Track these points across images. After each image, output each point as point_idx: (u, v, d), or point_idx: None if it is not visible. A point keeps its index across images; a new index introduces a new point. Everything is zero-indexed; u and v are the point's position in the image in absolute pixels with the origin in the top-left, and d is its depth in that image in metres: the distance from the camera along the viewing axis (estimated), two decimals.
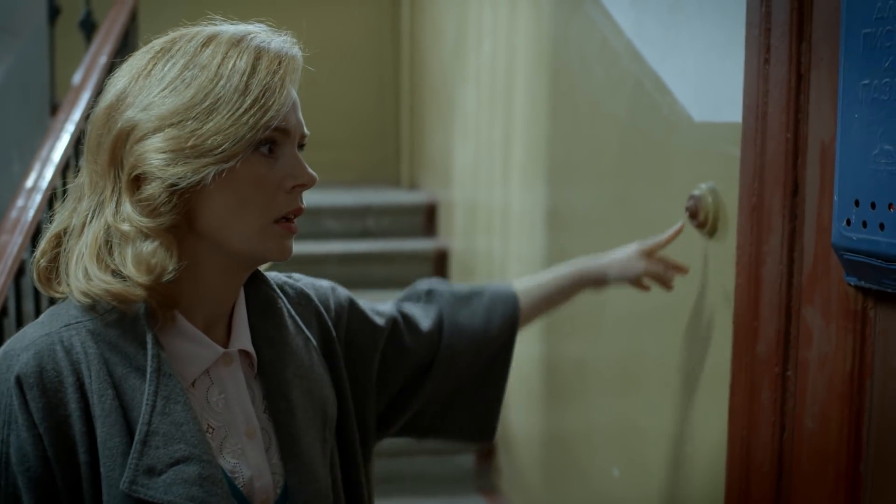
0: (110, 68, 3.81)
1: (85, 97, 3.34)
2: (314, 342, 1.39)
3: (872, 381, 1.33)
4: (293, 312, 1.38)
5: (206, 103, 1.16)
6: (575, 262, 1.88)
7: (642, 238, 1.95)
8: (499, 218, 3.78)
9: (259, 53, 1.19)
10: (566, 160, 2.93)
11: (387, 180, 6.00)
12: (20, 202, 2.79)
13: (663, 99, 2.14)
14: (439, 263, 4.79)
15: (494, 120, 3.80)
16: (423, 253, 4.83)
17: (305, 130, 1.25)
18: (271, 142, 1.20)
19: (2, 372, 1.17)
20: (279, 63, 1.19)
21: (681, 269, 1.91)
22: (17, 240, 2.64)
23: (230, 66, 1.17)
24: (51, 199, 2.93)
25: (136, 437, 1.15)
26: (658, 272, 1.89)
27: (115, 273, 1.19)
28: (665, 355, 2.16)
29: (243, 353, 1.30)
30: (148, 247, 1.17)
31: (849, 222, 1.29)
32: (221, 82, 1.16)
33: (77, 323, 1.19)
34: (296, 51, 1.23)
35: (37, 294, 2.92)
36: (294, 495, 1.28)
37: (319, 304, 1.45)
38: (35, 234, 2.77)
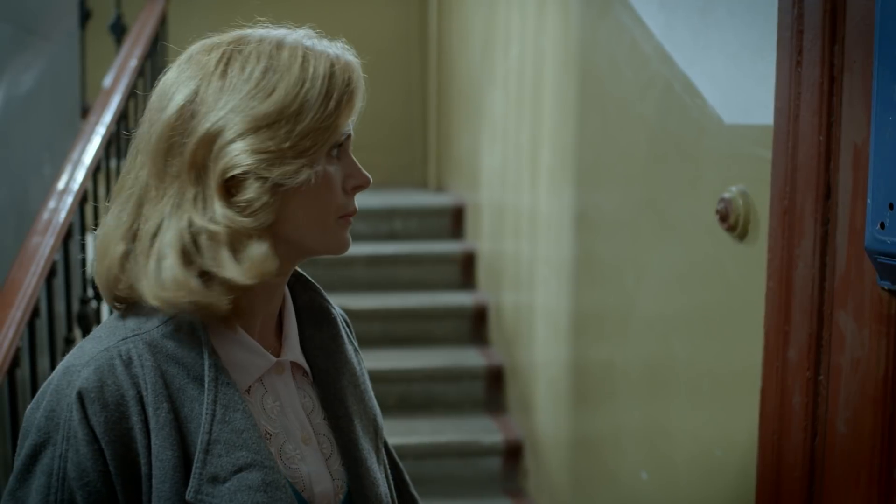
0: (140, 71, 3.85)
1: (115, 100, 3.37)
2: (361, 355, 1.43)
3: None
4: (342, 325, 1.41)
5: (294, 106, 1.18)
6: None
7: (671, 241, 1.94)
8: (526, 221, 3.78)
9: (331, 60, 1.22)
10: (595, 163, 2.92)
11: (414, 183, 6.01)
12: (52, 204, 2.81)
13: (693, 101, 2.13)
14: (466, 266, 4.79)
15: (522, 123, 3.80)
16: (450, 255, 4.83)
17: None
18: (340, 145, 1.24)
19: (63, 387, 1.17)
20: (352, 71, 1.23)
21: None
22: (48, 241, 2.66)
23: (311, 70, 1.19)
24: (82, 201, 2.95)
25: (199, 447, 1.16)
26: None
27: (202, 275, 1.18)
28: (694, 359, 2.15)
29: (294, 365, 1.32)
30: (258, 249, 1.17)
31: (882, 226, 1.28)
32: (306, 86, 1.18)
33: (134, 336, 1.19)
34: (355, 59, 1.27)
35: (68, 295, 2.94)
36: (357, 500, 1.29)
37: (355, 341, 1.47)
38: (66, 236, 2.79)
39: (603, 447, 2.87)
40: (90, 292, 3.05)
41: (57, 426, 1.16)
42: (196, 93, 1.20)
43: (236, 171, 1.17)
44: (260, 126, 1.17)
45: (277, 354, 1.29)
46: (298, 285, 1.37)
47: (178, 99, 1.20)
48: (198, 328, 1.20)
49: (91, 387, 1.15)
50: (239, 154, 1.17)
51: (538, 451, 3.65)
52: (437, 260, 4.82)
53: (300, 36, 1.24)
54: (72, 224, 2.85)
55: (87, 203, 3.02)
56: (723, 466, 2.01)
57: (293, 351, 1.31)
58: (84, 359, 1.18)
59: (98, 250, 1.24)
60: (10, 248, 2.80)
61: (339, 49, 1.25)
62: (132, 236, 1.21)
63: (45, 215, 2.76)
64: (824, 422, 1.47)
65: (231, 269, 1.17)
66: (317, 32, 1.27)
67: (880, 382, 1.34)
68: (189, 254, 1.17)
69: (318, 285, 1.40)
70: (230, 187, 1.18)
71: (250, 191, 1.17)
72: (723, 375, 2.00)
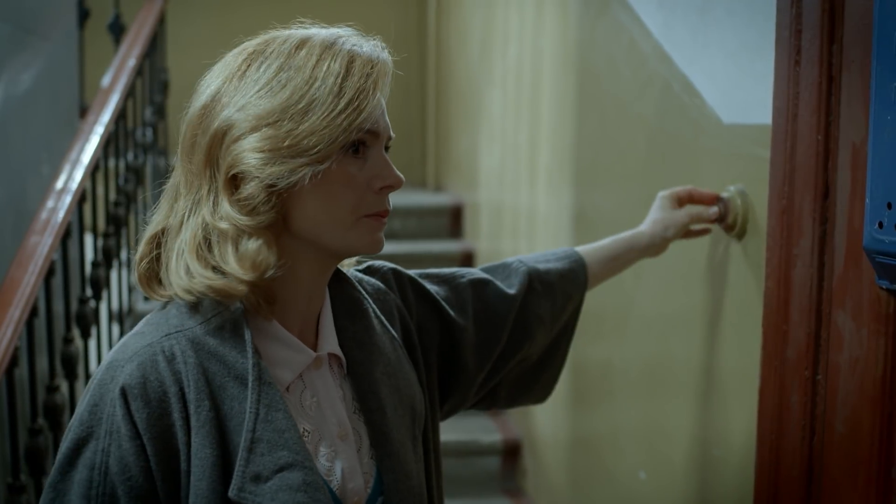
0: (139, 70, 3.85)
1: (114, 99, 3.37)
2: (398, 339, 1.42)
3: None
4: (377, 310, 1.41)
5: (301, 105, 1.18)
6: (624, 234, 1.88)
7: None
8: (525, 220, 3.78)
9: (352, 57, 1.21)
10: (593, 162, 2.92)
11: (413, 182, 6.01)
12: (50, 203, 2.81)
13: (692, 101, 2.13)
14: (465, 265, 4.79)
15: (521, 122, 3.80)
16: (448, 254, 4.83)
17: (392, 133, 1.28)
18: (361, 143, 1.23)
19: (106, 383, 1.19)
20: (372, 67, 1.22)
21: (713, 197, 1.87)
22: (47, 240, 2.66)
23: (324, 68, 1.19)
24: (80, 201, 2.95)
25: (242, 445, 1.17)
26: (698, 213, 1.87)
27: (216, 269, 1.20)
28: (693, 358, 2.15)
29: (331, 356, 1.33)
30: (252, 244, 1.19)
31: (881, 225, 1.28)
32: (316, 84, 1.19)
33: (177, 332, 1.21)
34: (386, 56, 1.26)
35: (67, 295, 2.94)
36: (390, 493, 1.30)
37: (397, 296, 1.48)
38: (65, 236, 2.79)
39: (601, 447, 2.87)
40: (89, 292, 3.05)
41: (100, 421, 1.18)
42: (219, 91, 1.22)
43: (237, 170, 1.19)
44: (262, 125, 1.18)
45: (315, 350, 1.30)
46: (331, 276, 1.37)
47: (203, 99, 1.23)
48: (241, 326, 1.21)
49: (134, 383, 1.17)
50: (242, 151, 1.19)
51: (536, 450, 3.65)
52: (436, 259, 4.81)
53: (327, 34, 1.24)
54: (70, 223, 2.85)
55: (86, 202, 3.02)
56: (721, 466, 2.01)
57: (329, 342, 1.32)
58: (127, 354, 1.20)
59: (141, 249, 1.27)
60: (9, 248, 2.80)
61: (369, 47, 1.25)
62: (164, 233, 1.25)
63: (44, 215, 2.76)
64: (822, 421, 1.47)
65: (232, 266, 1.19)
66: (356, 31, 1.27)
67: (878, 382, 1.34)
68: (201, 252, 1.21)
69: (351, 277, 1.40)
70: (236, 185, 1.20)
71: (248, 189, 1.19)
72: (721, 375, 2.01)
